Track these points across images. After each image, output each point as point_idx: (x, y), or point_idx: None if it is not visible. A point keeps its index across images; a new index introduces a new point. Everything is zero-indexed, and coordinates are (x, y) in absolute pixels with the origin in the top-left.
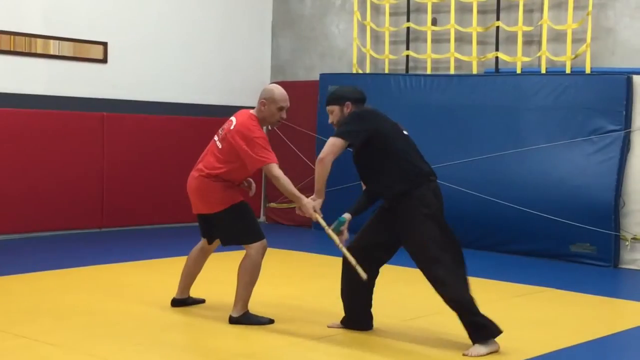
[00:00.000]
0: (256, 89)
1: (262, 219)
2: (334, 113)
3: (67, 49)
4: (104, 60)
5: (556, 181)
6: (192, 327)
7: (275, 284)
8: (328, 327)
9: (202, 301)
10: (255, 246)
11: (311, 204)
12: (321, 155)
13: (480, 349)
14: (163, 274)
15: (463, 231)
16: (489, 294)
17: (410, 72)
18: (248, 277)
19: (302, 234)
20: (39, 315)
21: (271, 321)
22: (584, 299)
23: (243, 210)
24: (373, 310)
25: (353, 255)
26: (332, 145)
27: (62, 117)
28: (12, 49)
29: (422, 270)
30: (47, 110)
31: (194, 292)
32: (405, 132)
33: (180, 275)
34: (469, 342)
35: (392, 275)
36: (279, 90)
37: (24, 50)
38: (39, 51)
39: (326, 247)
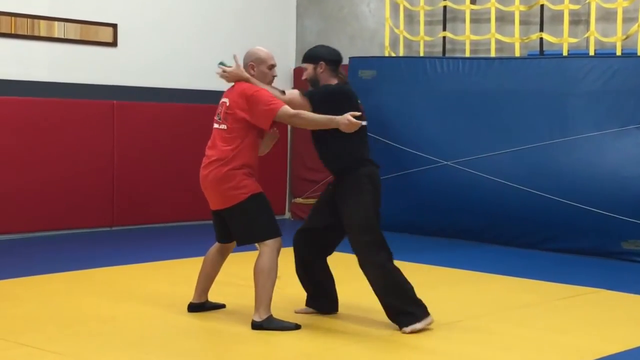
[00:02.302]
0: (279, 75)
1: (287, 215)
2: (308, 71)
3: (73, 31)
4: (113, 44)
5: (606, 172)
6: (210, 334)
7: (297, 285)
8: (295, 312)
9: (223, 306)
10: (271, 243)
11: (346, 116)
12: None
13: (416, 324)
14: (179, 276)
15: (504, 228)
16: (532, 296)
17: (447, 55)
18: (266, 278)
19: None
20: (44, 322)
21: (297, 327)
22: (637, 300)
23: (262, 202)
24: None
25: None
26: (300, 97)
27: (67, 105)
28: (13, 32)
29: (353, 235)
30: (51, 98)
31: (213, 296)
32: (364, 123)
33: (197, 278)
34: (503, 351)
35: (430, 276)
36: (263, 50)
37: (26, 33)
38: (43, 34)
39: None
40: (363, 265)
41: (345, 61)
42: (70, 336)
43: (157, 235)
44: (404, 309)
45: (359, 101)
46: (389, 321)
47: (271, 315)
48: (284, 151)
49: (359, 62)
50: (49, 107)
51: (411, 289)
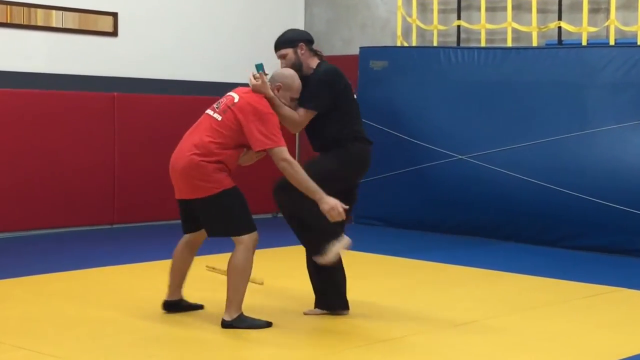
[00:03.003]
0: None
1: None
2: (288, 57)
3: (71, 20)
4: (113, 34)
5: (627, 167)
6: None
7: (309, 287)
8: (304, 314)
9: (200, 307)
10: (246, 239)
11: (333, 201)
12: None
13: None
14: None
15: (521, 225)
16: (551, 295)
17: (462, 44)
18: (239, 276)
19: (345, 230)
20: (42, 324)
21: (269, 324)
22: None
23: (235, 196)
24: (422, 310)
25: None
26: (307, 118)
27: (66, 98)
28: (8, 21)
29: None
30: (48, 90)
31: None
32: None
33: (169, 274)
34: (520, 352)
35: (445, 274)
36: (298, 80)
37: (22, 22)
38: (40, 23)
39: (371, 244)
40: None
41: (356, 51)
42: (70, 339)
43: (160, 234)
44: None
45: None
46: (399, 322)
47: (242, 314)
48: (292, 146)
49: (370, 52)
50: (46, 99)
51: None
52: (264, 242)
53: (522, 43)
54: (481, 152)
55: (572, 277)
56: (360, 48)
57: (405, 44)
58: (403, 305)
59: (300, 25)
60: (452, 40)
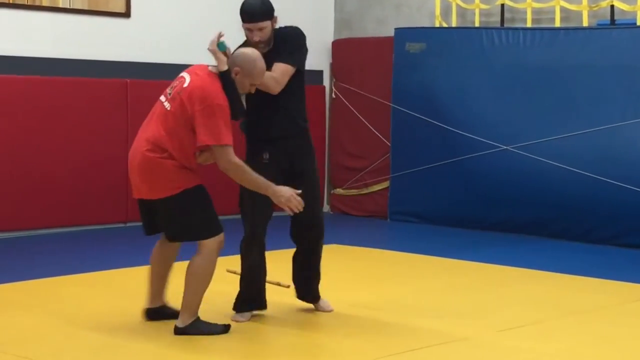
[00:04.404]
0: (316, 49)
1: (326, 208)
2: (266, 30)
3: (80, 0)
4: (126, 14)
5: None
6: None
7: (342, 288)
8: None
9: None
10: (208, 243)
11: (288, 191)
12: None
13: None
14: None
15: (571, 221)
16: (604, 297)
17: (506, 25)
18: (199, 282)
19: (376, 227)
20: (50, 331)
21: (227, 328)
22: None
23: (198, 197)
24: (463, 314)
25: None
26: (287, 74)
27: (74, 85)
28: (11, 2)
29: (316, 206)
30: (55, 77)
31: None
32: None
33: (147, 281)
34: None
35: (487, 275)
36: (261, 64)
37: (26, 3)
38: (45, 3)
39: (406, 243)
40: (321, 237)
41: (390, 33)
42: (80, 348)
43: None
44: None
45: None
46: (437, 328)
47: (197, 319)
48: (321, 136)
49: (406, 33)
50: (52, 86)
51: None
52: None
53: (572, 23)
54: (527, 142)
55: (626, 277)
56: (395, 29)
57: (444, 25)
58: (441, 309)
59: (330, 5)
60: (495, 20)
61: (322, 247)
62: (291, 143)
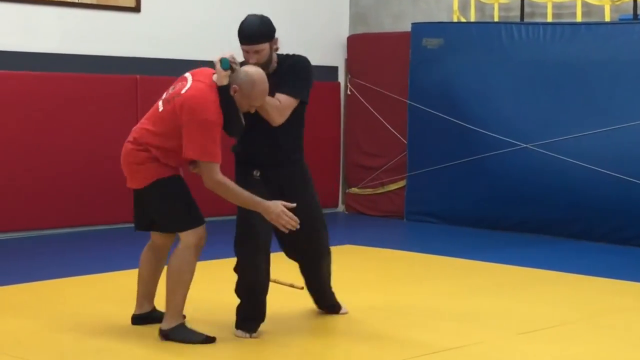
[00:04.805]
0: (331, 45)
1: (341, 208)
2: (264, 52)
3: None
4: (136, 9)
5: None
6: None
7: (357, 290)
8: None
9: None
10: (187, 235)
11: (279, 206)
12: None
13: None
14: (215, 279)
15: (594, 221)
16: (630, 299)
17: (526, 19)
18: (176, 280)
19: (392, 227)
20: (57, 334)
21: (209, 339)
22: None
23: (173, 186)
24: (482, 316)
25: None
26: (291, 108)
27: (83, 81)
28: None
29: (321, 234)
30: (62, 73)
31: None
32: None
33: (137, 285)
34: None
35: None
36: (261, 86)
37: None
38: None
39: (424, 243)
40: (326, 255)
41: (407, 28)
42: (88, 352)
43: None
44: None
45: None
46: (457, 330)
47: (182, 324)
48: (336, 135)
49: (423, 28)
50: (60, 83)
51: None
52: None
53: (593, 18)
54: (547, 139)
55: None
56: (412, 24)
57: (463, 19)
58: (459, 312)
59: (345, 0)
60: (514, 14)
61: (328, 266)
62: (282, 172)
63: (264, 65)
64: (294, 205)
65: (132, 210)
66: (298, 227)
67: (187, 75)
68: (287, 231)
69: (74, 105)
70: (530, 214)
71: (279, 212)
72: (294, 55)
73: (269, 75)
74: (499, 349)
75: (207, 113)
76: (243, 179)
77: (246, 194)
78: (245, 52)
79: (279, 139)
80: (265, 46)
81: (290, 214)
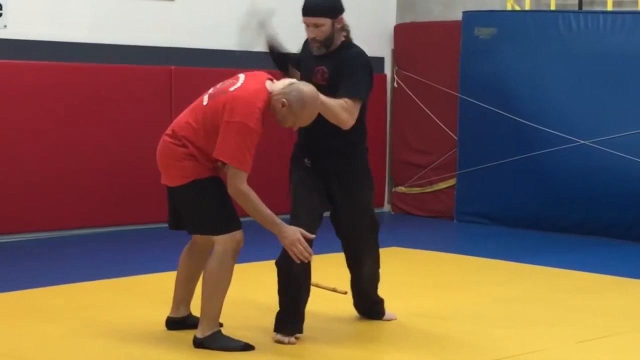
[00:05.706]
0: (376, 34)
1: (386, 207)
2: (324, 28)
3: None
4: None
5: None
6: None
7: (404, 295)
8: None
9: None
10: (223, 239)
11: (295, 234)
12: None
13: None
14: (249, 282)
15: None
16: None
17: (585, 8)
18: (213, 286)
19: (441, 228)
20: (86, 341)
21: (247, 347)
22: None
23: (211, 188)
24: (537, 324)
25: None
26: (358, 109)
27: (113, 72)
28: None
29: (364, 235)
30: (92, 63)
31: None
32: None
33: (174, 289)
34: None
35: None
36: (311, 110)
37: None
38: None
39: (474, 246)
40: (369, 257)
41: (458, 16)
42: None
43: None
44: (378, 298)
45: None
46: (509, 338)
47: (218, 331)
48: (382, 130)
49: (475, 17)
50: (89, 74)
51: None
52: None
53: None
54: (607, 136)
55: None
56: (464, 12)
57: (517, 8)
58: (513, 319)
59: None
60: (572, 3)
61: (371, 269)
62: (331, 164)
63: (323, 42)
64: (313, 236)
65: (166, 208)
66: (311, 259)
67: (241, 75)
68: (298, 261)
69: (105, 97)
70: (588, 215)
71: (294, 240)
72: (356, 46)
73: (326, 54)
74: (557, 357)
75: (248, 118)
76: (295, 164)
77: (267, 211)
78: (306, 25)
79: (328, 130)
80: (326, 21)
81: (306, 244)
